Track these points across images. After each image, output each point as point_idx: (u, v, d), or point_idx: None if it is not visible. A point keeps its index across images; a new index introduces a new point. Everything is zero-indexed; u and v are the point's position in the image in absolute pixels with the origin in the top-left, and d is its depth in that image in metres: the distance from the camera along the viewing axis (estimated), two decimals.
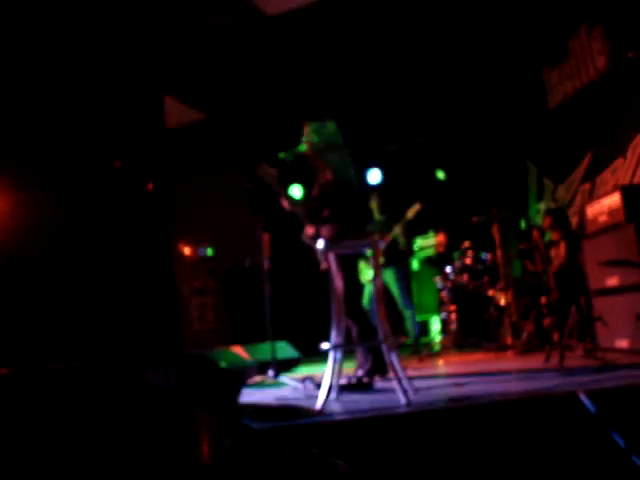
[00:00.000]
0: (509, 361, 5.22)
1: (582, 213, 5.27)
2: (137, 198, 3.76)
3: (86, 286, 3.42)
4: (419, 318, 7.49)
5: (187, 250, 10.50)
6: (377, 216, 7.32)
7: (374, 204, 7.25)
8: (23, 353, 3.27)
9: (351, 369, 4.53)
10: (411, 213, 6.99)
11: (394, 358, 3.34)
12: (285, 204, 4.57)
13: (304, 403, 3.42)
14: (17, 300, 3.37)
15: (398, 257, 7.30)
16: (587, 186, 6.54)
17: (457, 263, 6.74)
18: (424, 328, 7.55)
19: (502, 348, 5.91)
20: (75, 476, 1.58)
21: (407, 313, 7.30)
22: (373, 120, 8.62)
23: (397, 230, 7.04)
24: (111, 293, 3.45)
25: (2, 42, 3.44)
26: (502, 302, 6.34)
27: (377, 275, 3.59)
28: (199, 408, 3.38)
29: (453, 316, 6.71)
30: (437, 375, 4.60)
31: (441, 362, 5.73)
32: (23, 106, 3.51)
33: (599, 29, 5.98)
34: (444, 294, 6.87)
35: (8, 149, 3.46)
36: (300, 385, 4.34)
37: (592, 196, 6.19)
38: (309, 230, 4.50)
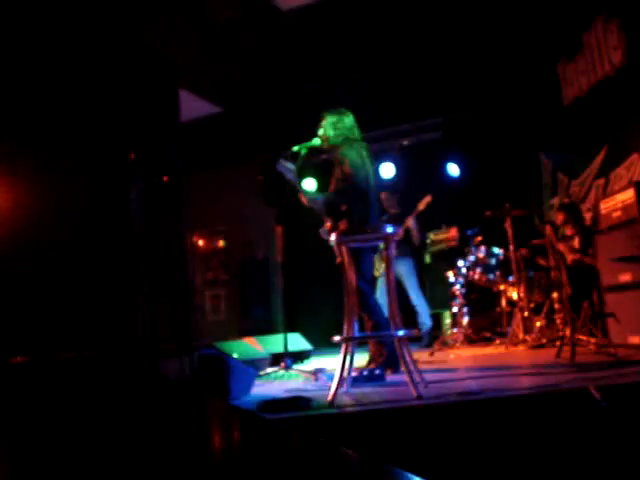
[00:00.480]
0: (520, 356, 5.22)
1: (596, 208, 5.24)
2: (151, 190, 3.79)
3: (100, 276, 3.45)
4: (431, 312, 7.50)
5: (200, 242, 10.56)
6: (390, 208, 7.34)
7: (386, 201, 7.28)
8: (37, 342, 3.31)
9: (363, 361, 4.56)
10: (422, 205, 7.02)
11: (405, 351, 3.35)
12: (304, 200, 4.58)
13: (316, 395, 3.44)
14: (31, 289, 3.41)
15: (410, 251, 7.33)
16: (601, 181, 6.51)
17: (469, 257, 6.74)
18: (436, 322, 7.56)
19: (514, 343, 5.91)
20: (87, 465, 1.60)
21: (419, 307, 7.32)
22: (388, 113, 8.61)
23: (409, 223, 7.06)
24: (125, 284, 3.48)
25: (14, 29, 3.47)
26: (514, 297, 6.33)
27: (389, 269, 3.60)
28: (211, 398, 3.41)
29: (465, 310, 6.70)
30: (448, 369, 4.61)
31: (452, 356, 5.73)
32: (36, 98, 3.54)
33: (615, 22, 5.92)
34: (456, 288, 6.87)
35: (22, 141, 3.50)
36: (312, 377, 4.37)
37: (606, 192, 6.16)
38: (328, 225, 4.52)
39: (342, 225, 4.36)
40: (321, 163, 8.01)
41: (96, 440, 1.91)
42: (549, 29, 6.82)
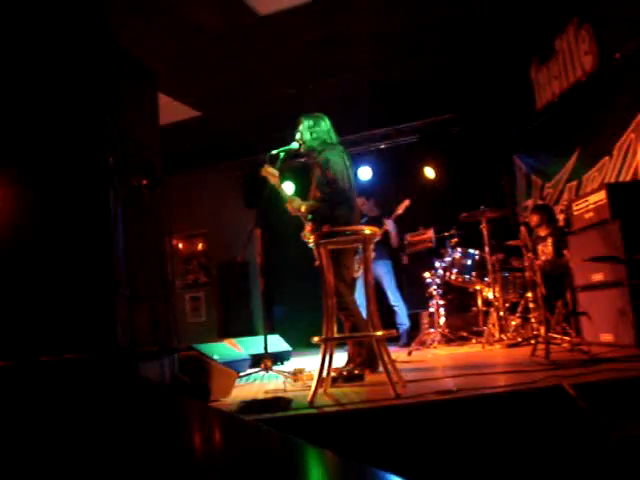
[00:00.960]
0: (496, 354, 5.30)
1: (569, 210, 5.35)
2: (130, 193, 3.80)
3: (80, 279, 3.45)
4: (408, 312, 7.58)
5: (180, 245, 10.54)
6: (368, 212, 7.41)
7: (364, 205, 7.35)
8: (18, 346, 3.30)
9: (342, 361, 4.59)
10: (401, 209, 7.10)
11: (384, 351, 3.40)
12: (290, 209, 4.63)
13: (295, 395, 3.47)
14: (11, 293, 3.40)
15: (389, 252, 7.41)
16: (574, 184, 6.63)
17: (446, 258, 6.82)
18: (413, 322, 7.63)
19: (490, 342, 5.99)
20: (69, 468, 1.62)
21: (397, 307, 7.40)
22: (365, 117, 8.68)
23: (388, 226, 7.14)
24: (105, 286, 3.48)
25: None
26: (490, 297, 6.42)
27: (367, 270, 3.65)
28: (190, 401, 3.43)
29: (442, 310, 6.78)
30: (426, 368, 4.67)
31: (430, 355, 5.80)
32: (11, 102, 3.53)
33: (586, 28, 6.03)
34: (433, 289, 6.94)
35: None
36: (292, 377, 4.40)
37: (579, 194, 6.28)
38: (308, 228, 4.55)
39: (325, 229, 4.40)
40: (299, 167, 8.04)
41: (74, 443, 1.93)
42: (522, 34, 6.92)
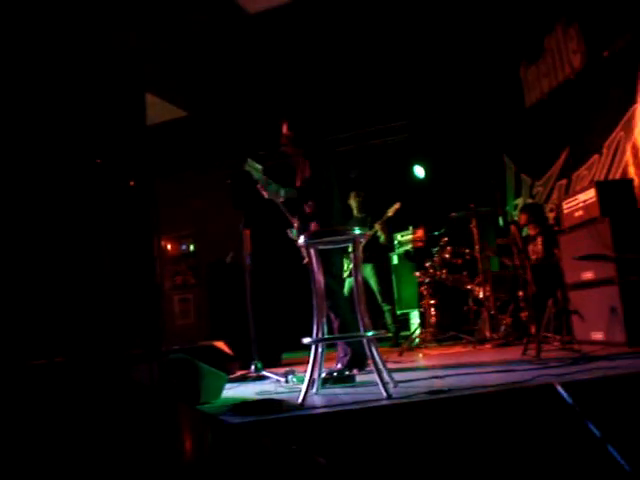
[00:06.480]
0: (487, 354, 5.30)
1: (558, 208, 5.35)
2: (118, 195, 3.76)
3: (67, 282, 3.42)
4: (399, 312, 7.57)
5: (169, 246, 10.49)
6: (356, 213, 7.39)
7: (353, 201, 7.33)
8: (6, 350, 3.26)
9: (332, 362, 4.58)
10: (391, 212, 7.08)
11: (374, 351, 3.38)
12: (264, 193, 4.56)
13: (286, 397, 3.45)
14: None
15: (378, 252, 7.38)
16: (564, 182, 6.64)
17: (436, 258, 6.82)
18: (404, 322, 7.62)
19: (481, 341, 5.99)
20: (60, 471, 1.59)
21: (386, 307, 7.38)
22: (353, 117, 8.67)
23: (377, 227, 7.12)
24: (93, 289, 3.45)
25: None
26: (480, 296, 6.43)
27: (357, 270, 3.62)
28: (180, 404, 3.40)
29: (432, 310, 6.77)
30: (417, 368, 4.66)
31: (421, 355, 5.79)
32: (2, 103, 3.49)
33: (575, 27, 6.06)
34: (423, 288, 6.94)
35: None
36: (282, 379, 4.37)
37: (568, 192, 6.29)
38: (295, 224, 4.54)
39: (313, 227, 4.38)
40: (285, 164, 8.03)
41: (62, 447, 1.90)
42: (512, 33, 6.94)
